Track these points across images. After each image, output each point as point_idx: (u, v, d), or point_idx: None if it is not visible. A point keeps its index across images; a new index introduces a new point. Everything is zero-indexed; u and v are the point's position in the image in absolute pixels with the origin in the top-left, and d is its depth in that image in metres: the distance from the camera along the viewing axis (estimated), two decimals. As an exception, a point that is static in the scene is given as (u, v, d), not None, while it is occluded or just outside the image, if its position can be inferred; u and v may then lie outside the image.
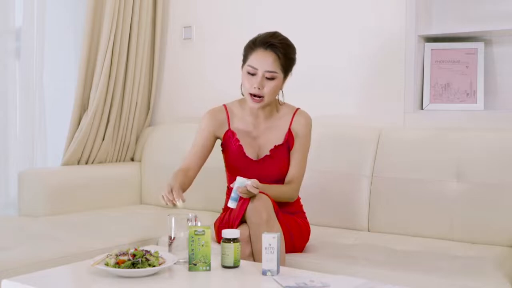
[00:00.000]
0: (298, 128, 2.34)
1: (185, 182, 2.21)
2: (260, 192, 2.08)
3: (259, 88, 2.21)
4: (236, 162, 2.33)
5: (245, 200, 2.08)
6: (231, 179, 2.30)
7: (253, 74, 2.22)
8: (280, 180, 2.32)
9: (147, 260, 1.74)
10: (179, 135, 3.22)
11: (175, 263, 1.83)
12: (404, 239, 2.45)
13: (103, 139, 3.27)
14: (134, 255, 1.75)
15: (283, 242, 2.07)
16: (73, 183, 2.99)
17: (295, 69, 2.30)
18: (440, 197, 2.48)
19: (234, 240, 1.84)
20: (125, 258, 1.74)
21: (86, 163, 3.23)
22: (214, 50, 3.39)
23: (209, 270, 1.81)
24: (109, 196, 3.15)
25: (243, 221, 2.11)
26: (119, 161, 3.41)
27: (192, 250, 1.80)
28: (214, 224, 2.33)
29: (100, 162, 3.30)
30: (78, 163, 3.19)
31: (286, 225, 2.18)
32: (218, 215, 2.46)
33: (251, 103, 2.26)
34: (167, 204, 2.06)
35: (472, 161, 2.45)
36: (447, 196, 2.46)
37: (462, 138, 2.52)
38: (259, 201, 2.06)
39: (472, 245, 2.35)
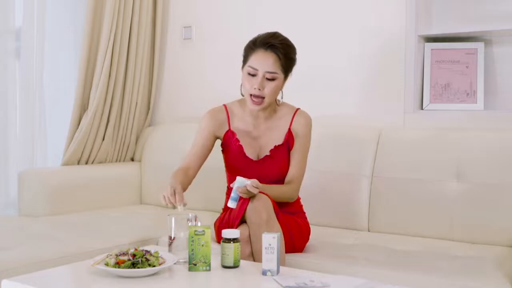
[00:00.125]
0: (298, 128, 2.33)
1: (185, 181, 2.21)
2: (260, 192, 2.08)
3: (259, 89, 2.21)
4: (236, 162, 2.33)
5: (245, 200, 2.08)
6: (231, 179, 2.30)
7: (253, 75, 2.22)
8: (280, 180, 2.32)
9: (147, 260, 1.74)
10: (179, 135, 3.22)
11: (175, 263, 1.83)
12: (404, 239, 2.45)
13: (103, 139, 3.27)
14: (134, 255, 1.75)
15: (283, 242, 2.07)
16: (73, 183, 2.99)
17: (295, 69, 2.30)
18: (440, 197, 2.48)
19: (234, 240, 1.84)
20: (125, 258, 1.74)
21: (86, 163, 3.23)
22: (214, 50, 3.39)
23: (209, 270, 1.81)
24: (109, 196, 3.15)
25: (243, 221, 2.10)
26: (119, 161, 3.41)
27: (192, 250, 1.80)
28: (214, 224, 2.33)
29: (100, 162, 3.29)
30: (78, 163, 3.19)
31: (286, 225, 2.18)
32: (218, 215, 2.46)
33: (251, 106, 2.25)
34: (167, 205, 2.06)
35: (472, 161, 2.45)
36: (447, 196, 2.46)
37: (462, 138, 2.52)
38: (259, 201, 2.06)
39: (472, 245, 2.35)
